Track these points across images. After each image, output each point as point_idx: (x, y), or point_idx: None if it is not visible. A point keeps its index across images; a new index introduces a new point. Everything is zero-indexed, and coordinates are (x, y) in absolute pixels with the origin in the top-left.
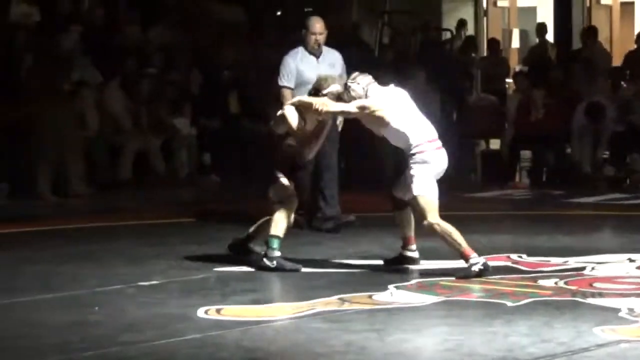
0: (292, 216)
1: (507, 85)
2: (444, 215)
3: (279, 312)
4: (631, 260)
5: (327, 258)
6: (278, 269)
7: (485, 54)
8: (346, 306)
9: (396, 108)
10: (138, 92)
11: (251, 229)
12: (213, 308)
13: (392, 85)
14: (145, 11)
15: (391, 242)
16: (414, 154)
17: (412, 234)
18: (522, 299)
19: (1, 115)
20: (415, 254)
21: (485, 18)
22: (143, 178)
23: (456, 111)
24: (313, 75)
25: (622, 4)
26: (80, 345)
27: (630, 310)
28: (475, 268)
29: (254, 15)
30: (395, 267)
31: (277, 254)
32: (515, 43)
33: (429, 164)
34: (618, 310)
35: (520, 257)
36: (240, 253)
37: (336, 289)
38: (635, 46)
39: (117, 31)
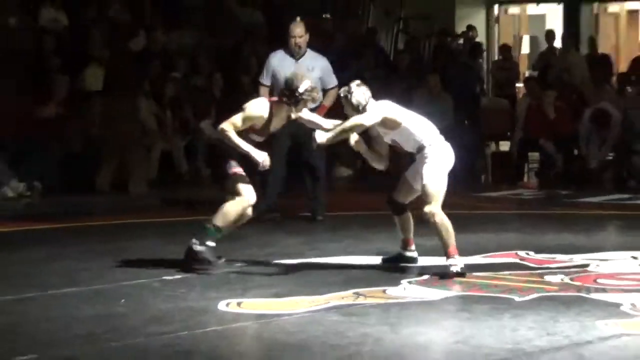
0: (246, 212)
1: (517, 90)
2: (456, 213)
3: (297, 305)
4: (634, 258)
5: (342, 254)
6: (196, 259)
7: (497, 58)
8: (361, 300)
9: (401, 111)
10: (163, 95)
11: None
12: (234, 301)
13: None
14: (169, 16)
15: None
16: (424, 150)
17: (411, 236)
18: (529, 294)
19: (31, 113)
20: (415, 254)
21: (497, 25)
22: (167, 177)
23: (468, 114)
24: (286, 73)
25: (628, 11)
26: (107, 336)
27: (632, 305)
28: (454, 269)
29: (274, 19)
30: (394, 266)
31: (212, 244)
32: (525, 49)
33: (440, 157)
34: (620, 305)
35: (528, 254)
36: None
37: (351, 284)
38: None
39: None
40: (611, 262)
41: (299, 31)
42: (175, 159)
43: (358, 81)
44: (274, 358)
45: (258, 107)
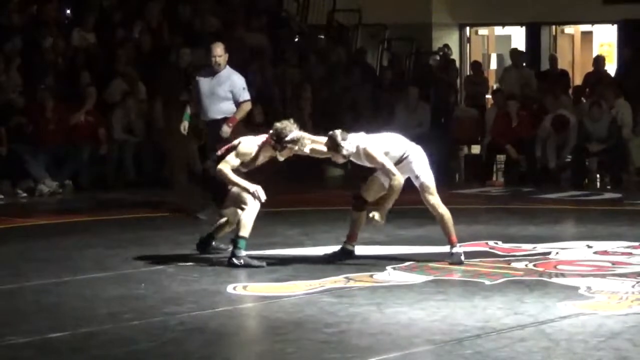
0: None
1: (486, 101)
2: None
3: (295, 289)
4: (589, 247)
5: (335, 244)
6: (245, 266)
7: (468, 74)
8: (351, 284)
9: (380, 141)
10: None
11: (212, 229)
12: (240, 285)
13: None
14: (187, 37)
15: (390, 230)
16: (407, 157)
17: (357, 232)
18: (497, 279)
19: (65, 121)
20: (354, 248)
21: (468, 44)
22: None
23: (444, 122)
24: (205, 87)
25: (582, 33)
26: (129, 316)
27: (588, 288)
28: (462, 257)
29: (276, 41)
30: (337, 260)
31: (243, 253)
32: (493, 65)
33: (420, 158)
34: (578, 288)
35: (496, 243)
36: (205, 251)
37: (342, 269)
38: (592, 68)
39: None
40: (569, 251)
41: (218, 51)
42: (190, 160)
43: (345, 134)
44: (275, 334)
45: (249, 146)
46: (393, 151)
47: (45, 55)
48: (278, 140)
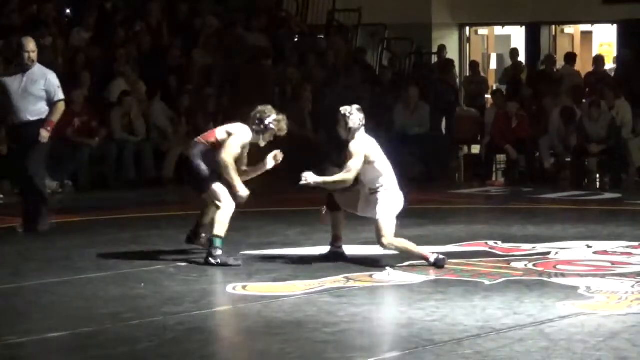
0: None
1: (485, 101)
2: (433, 208)
3: (294, 288)
4: (588, 247)
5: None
6: (221, 265)
7: (468, 74)
8: (351, 284)
9: (377, 151)
10: (179, 104)
11: (194, 227)
12: (239, 285)
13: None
14: (186, 38)
15: None
16: (379, 192)
17: (340, 233)
18: (497, 279)
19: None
20: (342, 250)
21: (468, 44)
22: (183, 176)
23: (444, 121)
24: (16, 86)
25: (582, 32)
26: (129, 315)
27: (588, 288)
28: (440, 263)
29: (276, 41)
30: (327, 262)
31: (219, 252)
32: (493, 65)
33: (393, 199)
34: (577, 288)
35: (496, 243)
36: (195, 241)
37: (342, 269)
38: (592, 68)
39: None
40: (569, 250)
41: (32, 46)
42: None
43: (358, 106)
44: (275, 334)
45: (246, 134)
46: (374, 173)
47: (45, 55)
48: (260, 123)
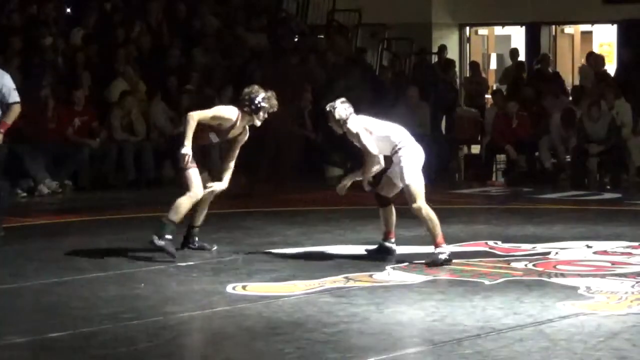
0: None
1: (486, 101)
2: (433, 208)
3: (295, 288)
4: (588, 247)
5: (334, 244)
6: (161, 250)
7: (468, 74)
8: (350, 284)
9: (373, 123)
10: (179, 104)
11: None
12: (240, 285)
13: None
14: (186, 38)
15: None
16: (399, 150)
17: (392, 229)
18: (497, 279)
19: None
20: (393, 245)
21: (468, 44)
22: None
23: (444, 121)
24: None
25: (582, 32)
26: (129, 315)
27: (587, 288)
28: (442, 257)
29: (276, 41)
30: (376, 256)
31: (168, 237)
32: (493, 65)
33: (413, 156)
34: (577, 288)
35: (496, 243)
36: (189, 244)
37: (342, 269)
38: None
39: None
40: (569, 250)
41: None
42: None
43: (342, 99)
44: (275, 334)
45: (229, 112)
46: (384, 142)
47: (45, 55)
48: (251, 104)
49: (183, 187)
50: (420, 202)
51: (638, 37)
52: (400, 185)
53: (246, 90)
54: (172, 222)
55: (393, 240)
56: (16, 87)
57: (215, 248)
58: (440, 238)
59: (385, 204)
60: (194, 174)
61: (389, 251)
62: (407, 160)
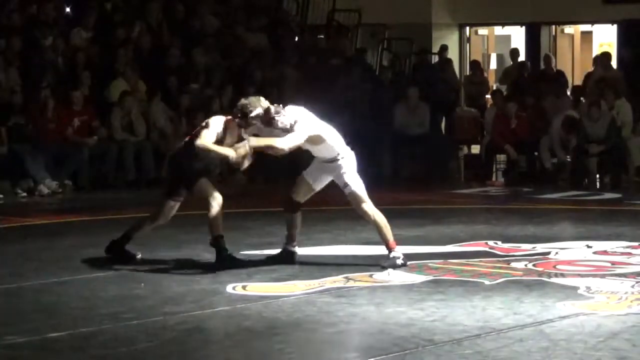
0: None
1: (486, 101)
2: (433, 208)
3: (295, 288)
4: (588, 247)
5: (334, 244)
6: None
7: (468, 74)
8: (350, 284)
9: (320, 126)
10: (179, 104)
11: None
12: (240, 285)
13: (301, 107)
14: (186, 38)
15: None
16: (340, 160)
17: (296, 233)
18: (497, 279)
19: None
20: (296, 249)
21: (468, 44)
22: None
23: (444, 121)
24: None
25: (582, 32)
26: (129, 315)
27: (587, 288)
28: (398, 262)
29: (276, 41)
30: (280, 262)
31: (227, 251)
32: (493, 65)
33: (352, 163)
34: (577, 288)
35: (496, 243)
36: (117, 253)
37: (342, 269)
38: (592, 68)
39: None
40: (568, 250)
41: None
42: None
43: (279, 107)
44: (275, 334)
45: (219, 123)
46: (328, 148)
47: (45, 55)
48: (243, 116)
49: (203, 199)
50: (366, 206)
51: (638, 37)
52: (316, 189)
53: (243, 101)
54: (216, 237)
55: (295, 244)
56: (16, 87)
57: (139, 256)
58: (392, 242)
59: (296, 210)
60: (204, 182)
61: (292, 255)
62: (349, 168)
